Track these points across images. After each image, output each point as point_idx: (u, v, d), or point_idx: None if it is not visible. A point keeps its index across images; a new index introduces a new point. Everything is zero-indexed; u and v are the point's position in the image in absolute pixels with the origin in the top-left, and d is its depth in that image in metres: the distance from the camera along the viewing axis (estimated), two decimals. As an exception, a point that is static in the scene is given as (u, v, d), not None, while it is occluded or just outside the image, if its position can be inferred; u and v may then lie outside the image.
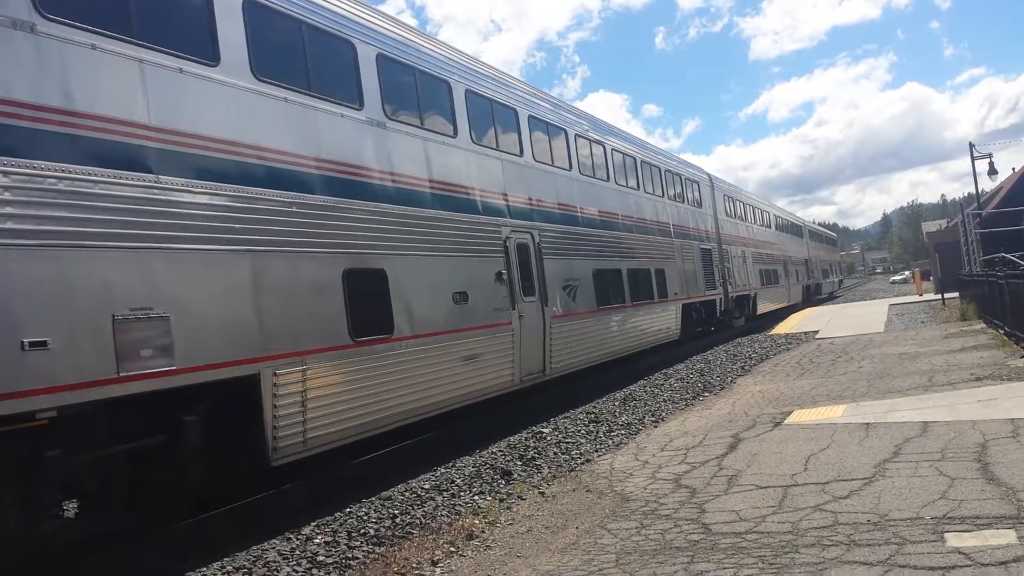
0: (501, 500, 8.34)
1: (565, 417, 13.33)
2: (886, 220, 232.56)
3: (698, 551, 5.93)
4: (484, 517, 7.66)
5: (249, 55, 8.47)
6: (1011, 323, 16.56)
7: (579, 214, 16.55)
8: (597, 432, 11.86)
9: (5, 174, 5.98)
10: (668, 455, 9.46)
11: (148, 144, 7.14)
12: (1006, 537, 5.34)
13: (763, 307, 34.43)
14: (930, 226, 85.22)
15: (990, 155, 35.05)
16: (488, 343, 12.06)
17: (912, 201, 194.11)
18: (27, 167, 6.15)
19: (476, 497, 8.68)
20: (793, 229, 50.22)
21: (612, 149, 19.29)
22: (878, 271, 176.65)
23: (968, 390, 11.26)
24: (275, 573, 6.79)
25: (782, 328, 29.45)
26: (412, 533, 7.55)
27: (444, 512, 8.20)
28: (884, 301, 43.50)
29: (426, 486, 9.29)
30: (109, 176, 6.73)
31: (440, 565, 6.52)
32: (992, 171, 35.87)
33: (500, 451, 10.96)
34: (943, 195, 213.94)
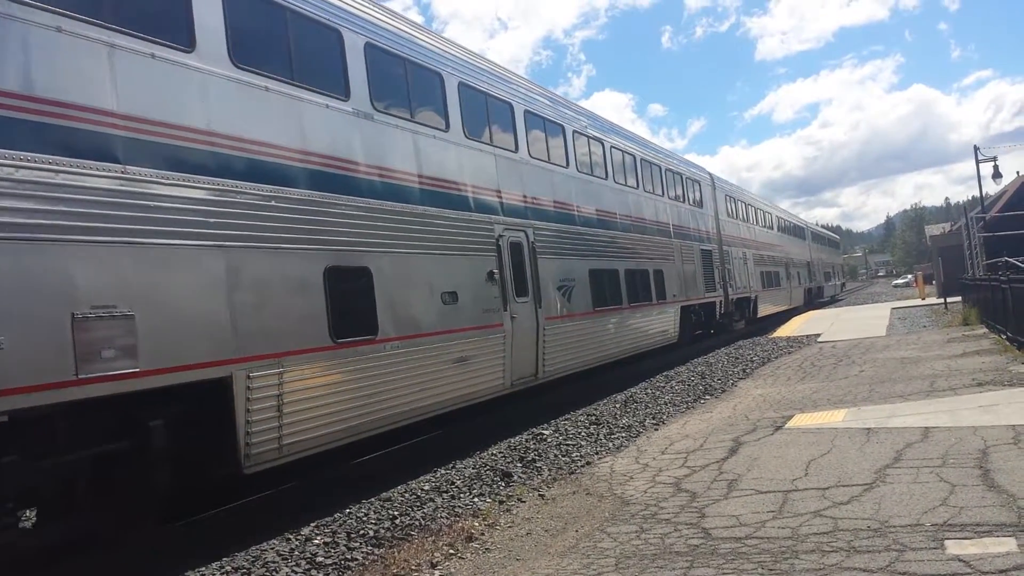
0: (501, 502, 8.28)
1: (566, 419, 13.19)
2: (889, 223, 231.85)
3: (698, 556, 5.91)
4: (484, 519, 7.64)
5: (228, 41, 8.09)
6: (1013, 328, 16.55)
7: (576, 213, 16.16)
8: (598, 434, 11.79)
9: (-46, 162, 5.62)
10: (669, 458, 9.42)
11: (115, 133, 6.75)
12: (1006, 545, 5.31)
13: (764, 310, 34.05)
14: (933, 229, 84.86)
15: (995, 158, 34.88)
16: (478, 345, 11.68)
17: (916, 204, 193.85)
18: (-21, 155, 5.78)
19: (476, 499, 8.63)
20: (795, 231, 49.84)
21: (611, 147, 18.90)
22: (881, 274, 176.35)
23: (970, 395, 11.19)
24: (274, 573, 6.69)
25: (784, 331, 29.35)
26: (411, 535, 7.51)
27: (444, 514, 8.15)
28: (886, 305, 43.55)
29: (426, 487, 9.18)
30: (71, 166, 6.35)
31: (439, 567, 6.48)
32: (996, 174, 35.68)
33: (500, 453, 10.85)
34: (947, 198, 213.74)
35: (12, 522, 6.30)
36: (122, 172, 6.75)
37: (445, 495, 8.86)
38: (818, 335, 25.78)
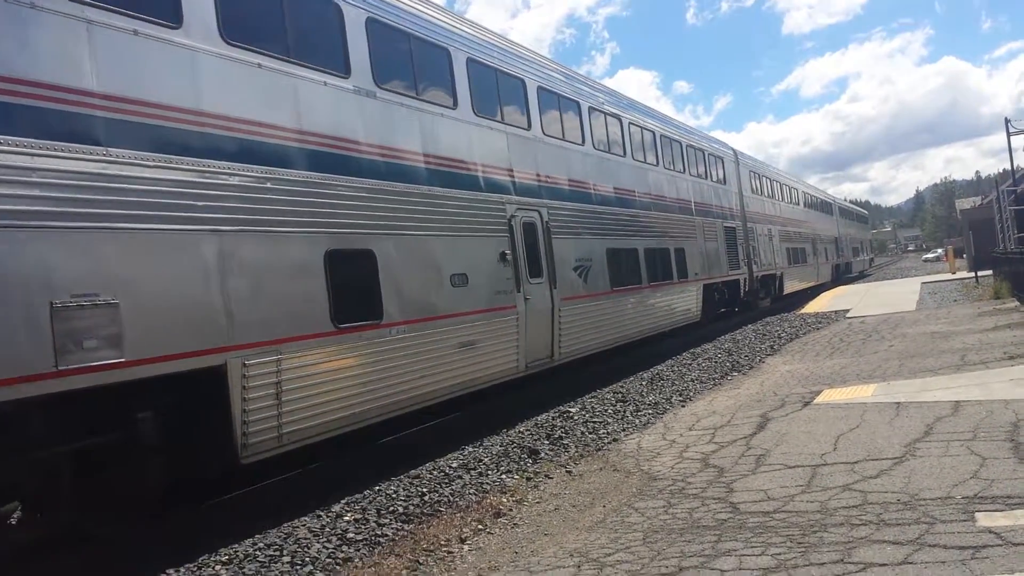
0: (528, 479, 8.34)
1: (592, 396, 13.11)
2: (919, 197, 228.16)
3: (726, 530, 5.90)
4: (512, 495, 7.69)
5: (218, 17, 7.76)
6: None
7: (592, 191, 15.72)
8: (624, 412, 11.74)
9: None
10: (696, 435, 9.42)
11: (95, 114, 6.46)
12: None
13: (790, 287, 33.43)
14: (964, 203, 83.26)
15: (1027, 130, 33.93)
16: (490, 328, 11.34)
17: (946, 178, 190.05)
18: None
19: (503, 476, 8.64)
20: (822, 206, 48.92)
21: (629, 123, 18.39)
22: (910, 249, 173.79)
23: (1001, 369, 11.09)
24: (306, 550, 6.70)
25: (812, 307, 29.17)
26: (440, 511, 7.55)
27: (472, 490, 8.17)
28: (916, 279, 43.19)
29: (454, 464, 9.15)
30: (49, 148, 6.07)
31: (468, 543, 6.56)
32: (1030, 145, 34.67)
33: (527, 430, 10.80)
34: (977, 171, 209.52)
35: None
36: (104, 154, 6.46)
37: (473, 472, 8.82)
38: (847, 310, 25.66)
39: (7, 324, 5.64)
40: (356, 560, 6.47)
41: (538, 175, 13.60)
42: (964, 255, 50.97)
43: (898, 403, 9.54)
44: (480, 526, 6.87)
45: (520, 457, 9.36)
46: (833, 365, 13.90)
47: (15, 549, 6.40)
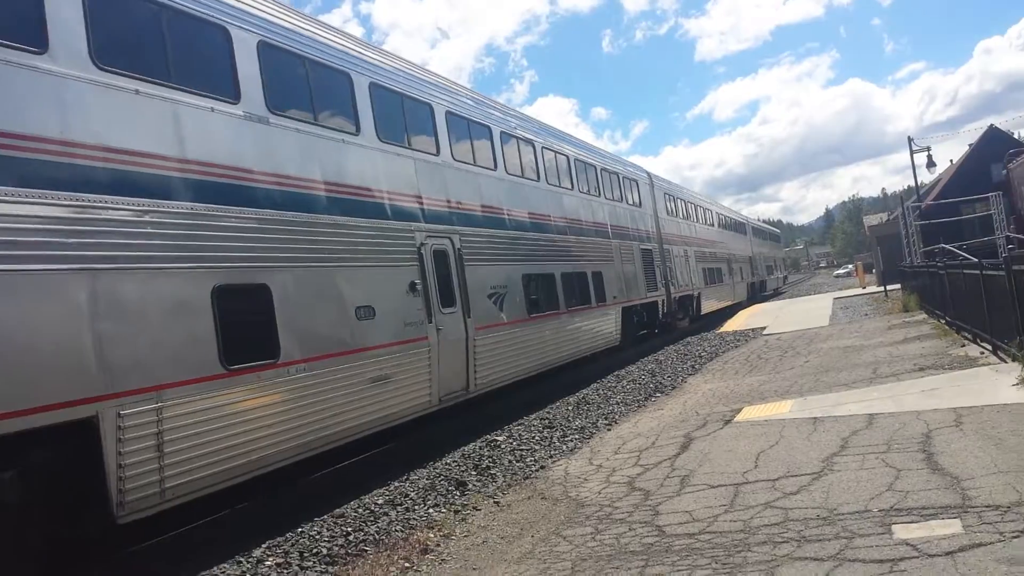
0: (456, 512, 8.25)
1: (519, 424, 13.07)
2: (829, 215, 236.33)
3: (652, 554, 5.97)
4: (439, 530, 7.60)
5: (89, 41, 7.21)
6: (952, 313, 16.97)
7: (506, 217, 15.46)
8: (551, 438, 11.73)
9: None
10: (622, 458, 9.48)
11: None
12: (952, 527, 5.39)
13: (708, 306, 33.81)
14: (871, 219, 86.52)
15: (928, 148, 35.61)
16: (400, 362, 10.87)
17: (854, 195, 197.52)
18: None
19: (431, 510, 8.52)
20: (736, 227, 49.93)
21: (543, 148, 18.24)
22: (822, 265, 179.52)
23: (911, 380, 11.44)
24: None
25: (730, 325, 29.84)
26: (366, 550, 7.39)
27: (398, 527, 8.03)
28: (828, 295, 44.68)
29: (380, 501, 8.96)
30: None
31: None
32: (931, 164, 36.38)
33: (455, 461, 10.67)
34: (884, 189, 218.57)
35: None
36: (-50, 190, 5.84)
37: (399, 508, 8.65)
38: (763, 328, 26.41)
39: None
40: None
41: (449, 201, 13.25)
42: (873, 270, 52.71)
43: (815, 418, 9.69)
44: (407, 564, 6.74)
45: (447, 490, 9.21)
46: (752, 382, 14.10)
47: None
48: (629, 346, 22.21)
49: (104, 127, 7.20)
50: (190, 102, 8.20)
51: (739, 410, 11.24)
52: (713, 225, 40.43)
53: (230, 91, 8.81)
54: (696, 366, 18.57)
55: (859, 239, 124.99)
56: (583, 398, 15.24)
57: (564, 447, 10.96)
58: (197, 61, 8.58)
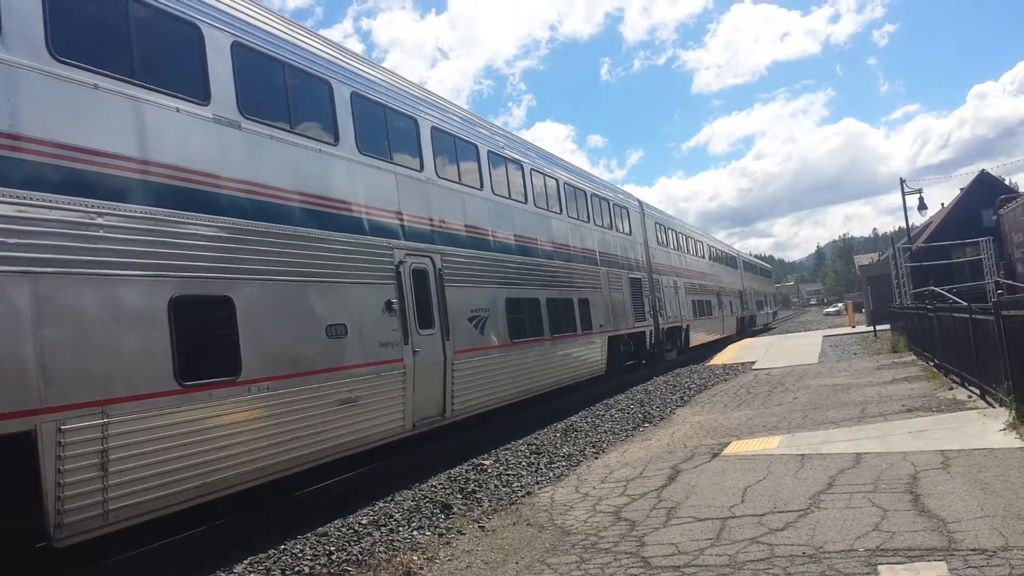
0: (440, 535, 8.10)
1: (506, 449, 12.92)
2: (820, 253, 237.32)
3: None
4: (423, 553, 7.47)
5: (46, 28, 6.79)
6: (940, 355, 16.82)
7: (491, 238, 15.04)
8: (538, 464, 11.59)
9: None
10: (608, 487, 9.38)
11: None
12: (937, 570, 5.33)
13: (696, 339, 33.40)
14: (862, 259, 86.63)
15: (920, 190, 35.49)
16: (372, 384, 10.37)
17: (845, 234, 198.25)
18: None
19: (415, 532, 8.39)
20: (727, 260, 49.71)
21: (532, 169, 17.88)
22: (812, 303, 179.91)
23: (900, 421, 11.35)
24: None
25: (720, 359, 29.57)
26: (348, 571, 7.26)
27: (382, 548, 7.88)
28: (818, 332, 44.43)
29: (363, 521, 8.84)
30: None
31: None
32: (922, 206, 36.25)
33: (440, 484, 10.50)
34: (875, 229, 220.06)
35: None
36: None
37: (383, 528, 8.52)
38: (753, 363, 26.18)
39: None
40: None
41: (431, 220, 12.83)
42: (863, 309, 52.51)
43: (803, 455, 9.63)
44: (389, 586, 6.50)
45: (432, 512, 9.06)
46: (740, 416, 13.94)
47: None
48: (614, 376, 21.75)
49: (57, 121, 6.77)
50: (154, 101, 7.77)
51: (727, 444, 11.13)
52: (704, 257, 40.16)
53: (200, 92, 8.39)
54: (685, 398, 18.39)
55: (850, 278, 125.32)
56: (571, 425, 15.06)
57: (551, 473, 10.81)
58: (165, 59, 8.16)
